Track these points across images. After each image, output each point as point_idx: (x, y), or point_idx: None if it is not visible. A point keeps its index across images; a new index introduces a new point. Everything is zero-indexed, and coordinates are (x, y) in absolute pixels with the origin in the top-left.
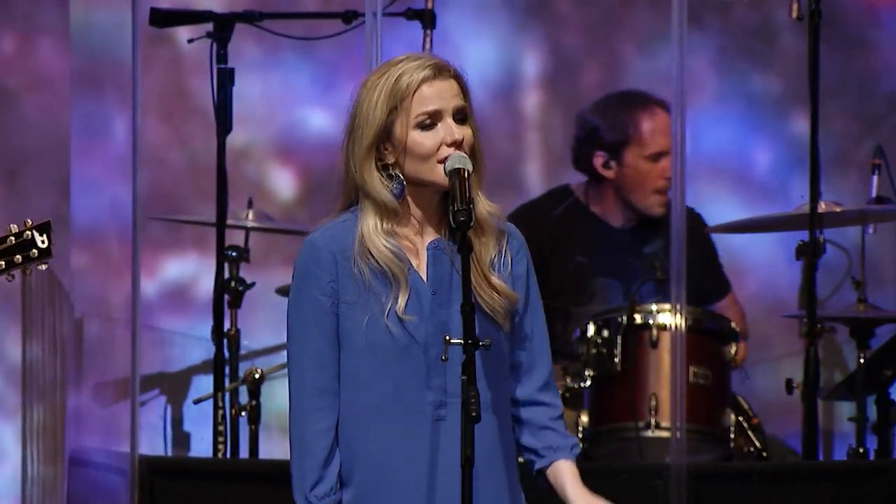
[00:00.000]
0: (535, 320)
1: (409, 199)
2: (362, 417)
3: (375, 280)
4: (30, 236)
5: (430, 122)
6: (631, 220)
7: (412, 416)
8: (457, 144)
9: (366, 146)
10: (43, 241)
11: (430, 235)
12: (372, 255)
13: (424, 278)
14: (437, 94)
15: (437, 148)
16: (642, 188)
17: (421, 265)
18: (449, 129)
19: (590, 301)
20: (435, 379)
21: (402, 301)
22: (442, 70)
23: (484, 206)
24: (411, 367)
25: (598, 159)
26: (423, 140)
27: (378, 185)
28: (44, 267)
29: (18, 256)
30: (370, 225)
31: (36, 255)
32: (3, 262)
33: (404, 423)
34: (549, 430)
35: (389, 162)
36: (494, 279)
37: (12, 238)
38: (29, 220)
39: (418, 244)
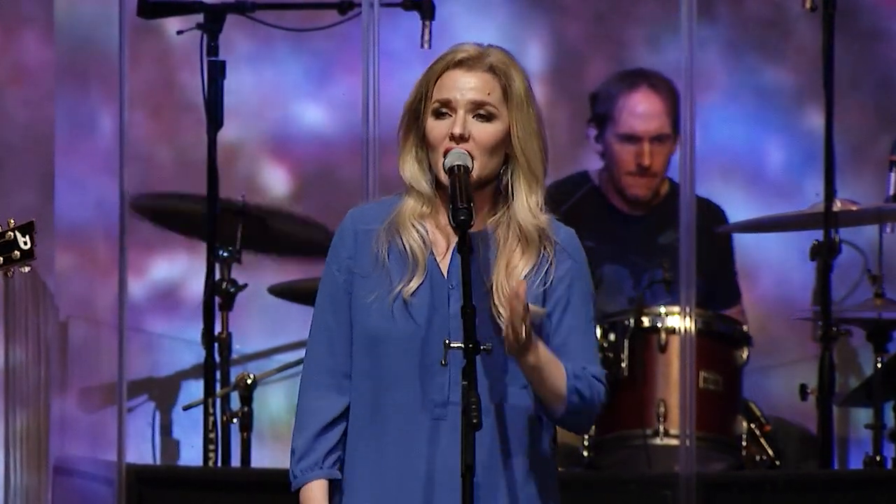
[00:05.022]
0: (571, 324)
1: (439, 194)
2: (361, 409)
3: (394, 259)
4: (12, 237)
5: (443, 110)
6: (628, 205)
7: (410, 413)
8: (456, 139)
9: (401, 129)
10: (25, 243)
11: None
12: (399, 234)
13: (445, 272)
14: (455, 84)
15: (442, 138)
16: (617, 168)
17: (446, 260)
18: (455, 121)
19: (596, 288)
20: (438, 376)
21: (413, 285)
22: (472, 60)
23: (527, 215)
24: (413, 361)
25: (591, 132)
26: (433, 127)
27: (410, 169)
28: (26, 269)
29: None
30: (409, 205)
31: (18, 256)
32: None
33: (402, 418)
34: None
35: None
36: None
37: None
38: (12, 221)
39: (451, 240)
